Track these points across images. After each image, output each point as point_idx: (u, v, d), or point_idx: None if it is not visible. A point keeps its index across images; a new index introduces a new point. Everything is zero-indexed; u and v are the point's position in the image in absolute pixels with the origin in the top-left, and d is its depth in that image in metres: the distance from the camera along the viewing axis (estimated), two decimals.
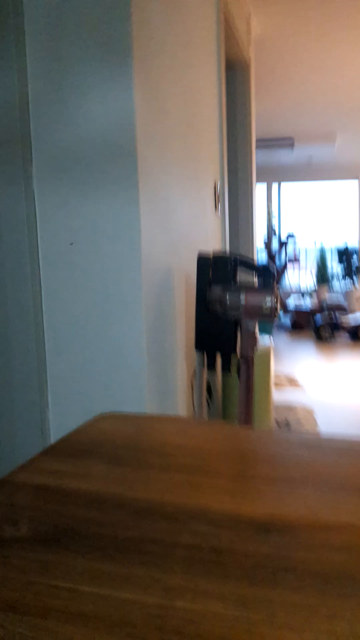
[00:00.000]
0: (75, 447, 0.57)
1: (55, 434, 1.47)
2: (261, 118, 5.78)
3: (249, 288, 1.68)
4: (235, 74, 3.24)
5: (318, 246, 8.08)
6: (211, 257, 1.79)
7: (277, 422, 2.91)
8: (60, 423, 1.47)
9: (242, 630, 0.28)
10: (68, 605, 0.31)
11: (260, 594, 0.32)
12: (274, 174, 8.43)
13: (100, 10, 1.32)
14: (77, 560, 0.36)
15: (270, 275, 1.79)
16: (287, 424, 2.89)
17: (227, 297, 1.69)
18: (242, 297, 1.67)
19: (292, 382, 3.99)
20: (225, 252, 2.47)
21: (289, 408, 3.23)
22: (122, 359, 1.42)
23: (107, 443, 0.58)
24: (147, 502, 0.43)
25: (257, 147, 6.60)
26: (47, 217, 1.41)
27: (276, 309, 1.65)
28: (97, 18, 1.33)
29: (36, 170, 1.39)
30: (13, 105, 1.33)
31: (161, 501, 0.44)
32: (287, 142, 6.59)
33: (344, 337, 5.96)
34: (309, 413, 3.14)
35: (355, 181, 8.27)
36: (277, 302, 1.65)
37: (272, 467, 0.52)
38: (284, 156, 7.34)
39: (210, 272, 1.79)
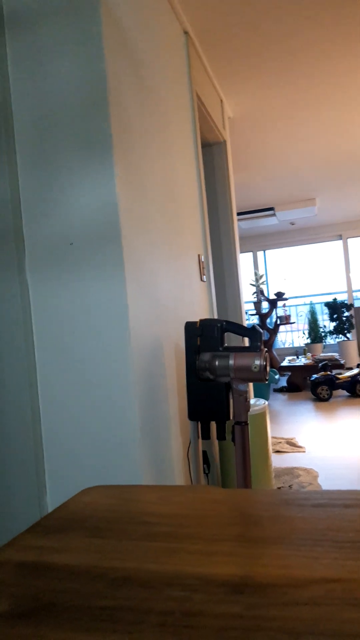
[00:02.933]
0: (58, 522, 0.58)
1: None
2: (242, 190, 6.08)
3: (237, 350, 1.71)
4: (212, 152, 3.45)
5: (308, 304, 8.22)
6: (198, 324, 1.84)
7: (281, 488, 2.85)
8: (58, 502, 1.45)
9: None
10: None
11: None
12: (259, 242, 8.73)
13: (80, 107, 1.45)
14: (55, 632, 0.36)
15: (258, 336, 1.84)
16: (291, 490, 2.82)
17: (216, 362, 1.72)
18: (231, 360, 1.70)
19: (293, 445, 3.93)
20: (212, 318, 2.53)
21: (291, 473, 3.16)
22: (115, 435, 1.42)
23: (90, 516, 0.59)
24: (124, 571, 0.44)
25: (241, 217, 6.89)
26: (40, 303, 1.47)
27: (266, 368, 1.67)
28: (77, 115, 1.45)
29: (28, 260, 1.47)
30: (6, 203, 1.43)
31: (137, 569, 0.45)
32: (268, 212, 6.88)
33: (341, 393, 5.94)
34: (313, 477, 3.07)
35: (339, 241, 8.55)
36: (266, 362, 1.68)
37: (249, 527, 0.53)
38: (267, 224, 7.64)
39: (198, 339, 1.83)
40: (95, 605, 0.39)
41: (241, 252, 8.61)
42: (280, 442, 3.98)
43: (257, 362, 1.68)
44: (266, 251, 8.83)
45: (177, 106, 2.27)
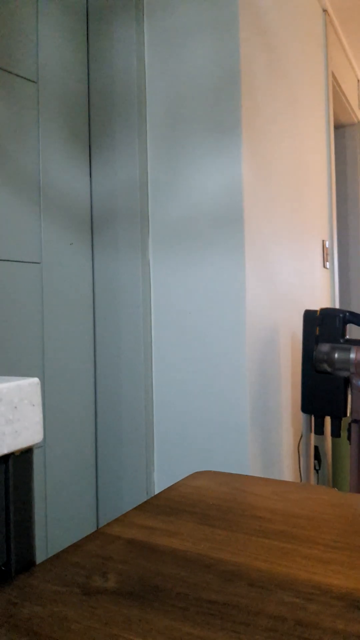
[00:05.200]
0: (168, 504, 0.57)
1: (159, 490, 1.48)
2: None
3: (359, 344, 1.61)
4: (345, 134, 3.26)
5: None
6: (318, 313, 1.75)
7: None
8: (165, 483, 1.48)
9: None
10: None
11: None
12: None
13: (211, 91, 1.43)
14: (159, 618, 0.35)
15: None
16: None
17: (336, 355, 1.63)
18: (352, 354, 1.60)
19: None
20: (333, 308, 2.40)
21: None
22: (226, 420, 1.41)
23: (199, 501, 0.58)
24: (234, 566, 0.42)
25: None
26: (160, 283, 1.49)
27: None
28: (208, 98, 1.44)
29: (152, 241, 1.49)
30: (134, 184, 1.46)
31: (248, 566, 0.42)
32: None
33: None
34: None
35: None
36: None
37: None
38: None
39: (318, 329, 1.75)
40: (204, 598, 0.38)
41: None
42: None
43: None
44: None
45: (311, 86, 2.16)
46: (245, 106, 1.42)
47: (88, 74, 1.51)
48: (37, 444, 0.44)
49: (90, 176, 1.50)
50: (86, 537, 0.50)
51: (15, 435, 0.42)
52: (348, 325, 1.76)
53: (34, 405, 0.44)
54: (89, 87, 1.51)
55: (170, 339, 1.48)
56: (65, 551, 0.47)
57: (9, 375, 1.24)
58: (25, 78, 1.31)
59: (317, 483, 2.07)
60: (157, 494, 0.61)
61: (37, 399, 0.45)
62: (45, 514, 1.31)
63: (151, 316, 1.50)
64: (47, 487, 1.32)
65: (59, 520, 1.35)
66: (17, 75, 1.28)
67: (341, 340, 1.66)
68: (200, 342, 1.44)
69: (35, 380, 0.44)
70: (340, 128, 3.25)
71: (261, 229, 1.52)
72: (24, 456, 0.44)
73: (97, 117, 1.51)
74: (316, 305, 2.15)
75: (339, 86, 2.72)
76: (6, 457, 0.42)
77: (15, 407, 0.42)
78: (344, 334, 1.70)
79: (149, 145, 1.50)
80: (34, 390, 0.44)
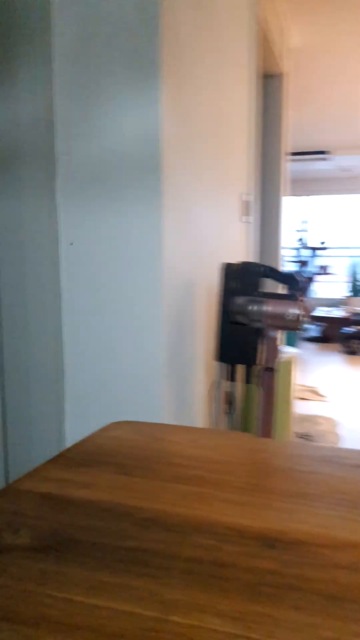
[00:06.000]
0: (83, 455, 0.56)
1: (71, 442, 1.47)
2: (296, 130, 5.75)
3: (273, 297, 1.66)
4: (269, 85, 3.23)
5: (350, 256, 7.97)
6: (236, 266, 1.78)
7: (299, 435, 2.86)
8: (77, 434, 1.47)
9: None
10: (62, 616, 0.30)
11: (261, 611, 0.30)
12: (309, 186, 8.37)
13: (128, 24, 1.34)
14: (75, 570, 0.35)
15: (296, 284, 1.77)
16: (309, 437, 2.84)
17: (251, 307, 1.68)
18: (267, 306, 1.65)
19: (317, 394, 3.93)
20: (252, 261, 2.46)
21: (312, 421, 3.17)
22: (140, 370, 1.41)
23: (116, 452, 0.57)
24: (151, 513, 0.43)
25: (292, 159, 6.58)
26: (70, 230, 1.42)
27: (301, 318, 1.62)
28: (125, 32, 1.35)
29: (60, 184, 1.41)
30: (39, 121, 1.35)
31: (165, 512, 0.43)
32: (322, 155, 6.55)
33: None
34: (332, 426, 3.07)
35: None
36: (302, 311, 1.62)
37: (285, 480, 0.51)
38: (319, 167, 7.28)
39: (235, 282, 1.78)
40: (121, 546, 0.38)
41: (289, 195, 8.29)
42: (304, 390, 3.98)
43: (293, 311, 1.62)
44: (312, 197, 8.48)
45: (236, 31, 2.10)
46: (166, 41, 1.36)
47: None
48: None
49: None
50: None
51: None
52: (263, 279, 1.80)
53: None
54: None
55: (82, 288, 1.44)
56: None
57: None
58: None
59: (228, 427, 2.17)
60: (71, 446, 0.60)
61: None
62: None
63: (59, 265, 1.43)
64: None
65: None
66: None
67: (256, 294, 1.71)
68: (114, 293, 1.41)
69: None
70: (264, 78, 3.22)
71: (180, 179, 1.49)
72: None
73: None
74: (233, 259, 2.18)
75: (265, 34, 2.67)
76: None
77: None
78: (259, 287, 1.74)
79: (57, 78, 1.38)
80: None
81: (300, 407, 3.58)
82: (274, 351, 1.72)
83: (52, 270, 1.40)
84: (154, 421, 1.42)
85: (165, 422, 1.42)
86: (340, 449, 0.59)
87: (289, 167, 3.63)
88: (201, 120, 1.68)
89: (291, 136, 6.05)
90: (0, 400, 1.43)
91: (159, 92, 1.32)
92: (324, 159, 6.56)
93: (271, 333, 1.68)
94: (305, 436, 2.86)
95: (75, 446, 0.59)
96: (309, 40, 3.55)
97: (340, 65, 4.01)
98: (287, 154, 3.67)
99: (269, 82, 3.22)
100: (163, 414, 1.41)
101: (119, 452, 0.57)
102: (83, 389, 1.46)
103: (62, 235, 1.43)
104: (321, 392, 4.00)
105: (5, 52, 1.36)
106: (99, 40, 1.37)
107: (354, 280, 7.44)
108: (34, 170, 1.37)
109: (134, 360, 1.41)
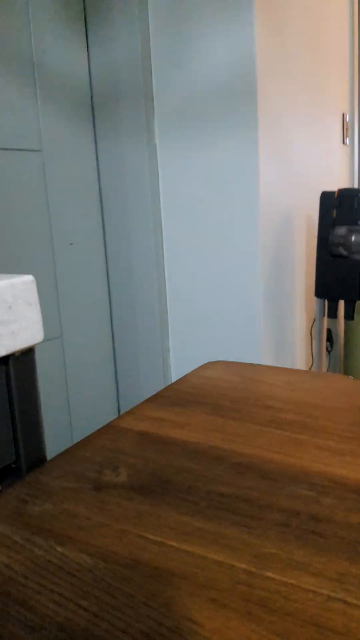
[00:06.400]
0: (180, 395, 0.57)
1: (176, 378, 1.51)
2: None
3: None
4: None
5: None
6: (336, 194, 1.66)
7: None
8: (181, 369, 1.50)
9: (337, 612, 0.26)
10: (156, 560, 0.30)
11: None
12: None
13: None
14: (170, 512, 0.35)
15: None
16: None
17: (353, 237, 1.57)
18: None
19: None
20: (352, 188, 2.28)
21: None
22: (239, 305, 1.39)
23: (211, 392, 0.57)
24: (246, 457, 0.42)
25: None
26: (168, 169, 1.39)
27: None
28: None
29: (158, 122, 1.37)
30: (136, 60, 1.31)
31: (261, 457, 0.42)
32: None
33: None
34: None
35: None
36: None
37: None
38: None
39: (335, 211, 1.66)
40: (215, 491, 0.37)
41: None
42: None
43: None
44: None
45: None
46: None
47: None
48: (40, 341, 0.42)
49: (88, 51, 1.35)
50: (97, 430, 0.50)
51: (12, 336, 0.39)
52: None
53: (30, 304, 0.41)
54: None
55: (181, 227, 1.42)
56: (76, 445, 0.47)
57: (18, 273, 1.21)
58: None
59: (329, 365, 2.11)
60: (168, 386, 0.60)
61: (34, 297, 0.41)
62: (68, 403, 1.36)
63: (160, 204, 1.42)
64: (67, 377, 1.35)
65: (81, 408, 1.40)
66: None
67: (359, 223, 1.59)
68: (212, 229, 1.38)
69: (30, 277, 0.41)
70: None
71: (276, 104, 1.39)
72: (25, 357, 0.42)
73: None
74: (334, 186, 2.03)
75: None
76: (5, 359, 0.40)
77: (10, 307, 0.39)
78: None
79: (150, 14, 1.32)
80: (29, 288, 0.41)
81: None
82: None
83: (153, 209, 1.39)
84: (253, 359, 1.42)
85: (264, 360, 1.41)
86: None
87: None
88: (296, 38, 1.53)
89: None
90: (111, 338, 1.49)
91: (252, 15, 1.21)
92: None
93: None
94: None
95: (172, 386, 0.60)
96: None
97: None
98: None
99: None
100: (262, 352, 1.40)
101: (214, 392, 0.56)
102: (185, 326, 1.48)
103: (161, 174, 1.41)
104: None
105: None
106: None
107: None
108: (133, 110, 1.34)
109: (231, 297, 1.40)
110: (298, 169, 1.62)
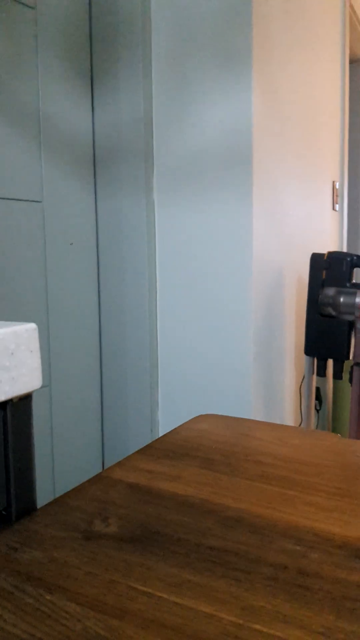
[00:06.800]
0: (171, 447, 0.57)
1: (163, 432, 1.51)
2: None
3: None
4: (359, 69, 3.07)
5: None
6: (326, 256, 1.72)
7: None
8: (169, 423, 1.50)
9: None
10: (145, 610, 0.31)
11: (347, 628, 0.29)
12: None
13: (221, 20, 1.33)
14: (159, 564, 0.35)
15: None
16: None
17: (341, 298, 1.61)
18: (358, 298, 1.58)
19: None
20: (341, 251, 2.36)
21: None
22: (229, 362, 1.41)
23: (202, 445, 0.57)
24: (236, 512, 0.42)
25: None
26: (165, 225, 1.45)
27: None
28: (218, 29, 1.33)
29: (157, 180, 1.43)
30: (138, 122, 1.39)
31: (250, 512, 0.42)
32: None
33: None
34: None
35: None
36: None
37: None
38: None
39: (324, 273, 1.72)
40: (205, 544, 0.38)
41: None
42: None
43: None
44: None
45: (325, 15, 2.01)
46: (257, 37, 1.33)
47: (90, 5, 1.40)
48: (39, 387, 0.43)
49: (93, 110, 1.43)
50: (88, 480, 0.50)
51: (12, 382, 0.41)
52: (355, 270, 1.72)
53: (31, 351, 0.42)
54: (90, 14, 1.41)
55: (176, 281, 1.46)
56: (66, 495, 0.47)
57: (12, 320, 1.23)
58: (22, 3, 1.21)
59: (317, 424, 2.11)
60: (159, 438, 0.61)
61: (35, 344, 0.43)
62: (52, 452, 1.34)
63: (156, 258, 1.47)
64: (53, 426, 1.34)
65: (65, 458, 1.38)
66: (14, 0, 1.19)
67: (347, 285, 1.64)
68: (206, 285, 1.42)
69: (33, 325, 0.43)
70: (355, 62, 3.06)
71: (270, 169, 1.46)
72: (23, 403, 0.43)
73: (100, 47, 1.42)
74: (324, 249, 2.10)
75: (357, 18, 2.54)
76: (4, 404, 0.41)
77: (12, 354, 0.40)
78: (350, 278, 1.67)
79: (154, 79, 1.41)
80: (31, 335, 0.42)
81: None
82: None
83: (149, 264, 1.43)
84: (242, 414, 1.42)
85: (254, 415, 1.41)
86: None
87: None
88: (292, 109, 1.63)
89: None
90: (99, 392, 1.49)
91: (250, 85, 1.30)
92: None
93: None
94: None
95: (163, 438, 0.60)
96: None
97: None
98: None
99: None
100: (251, 407, 1.40)
101: (205, 446, 0.57)
102: (174, 380, 1.49)
103: (158, 231, 1.46)
104: None
105: (107, 56, 1.40)
106: (193, 40, 1.37)
107: None
108: (133, 168, 1.41)
109: (223, 353, 1.41)
110: (290, 231, 1.68)
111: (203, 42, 1.36)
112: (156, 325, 1.47)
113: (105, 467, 0.62)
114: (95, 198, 1.46)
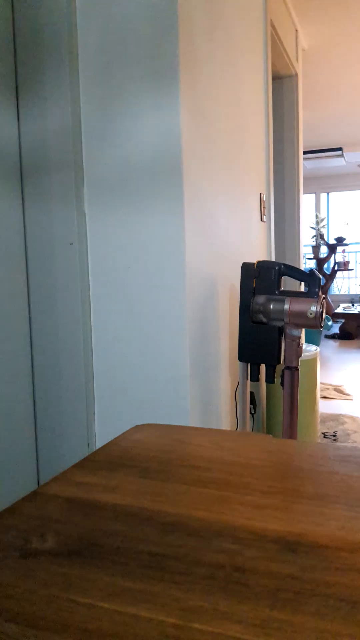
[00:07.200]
0: (108, 459, 0.57)
1: (101, 443, 1.49)
2: (310, 128, 5.71)
3: (293, 295, 1.65)
4: (282, 86, 3.22)
5: None
6: (255, 265, 1.77)
7: (324, 435, 2.84)
8: (106, 435, 1.49)
9: None
10: (85, 621, 0.31)
11: (281, 618, 0.30)
12: (324, 183, 8.30)
13: (148, 35, 1.35)
14: (99, 575, 0.35)
15: (315, 281, 1.76)
16: (335, 437, 2.81)
17: (271, 306, 1.67)
18: (287, 304, 1.64)
19: (341, 392, 3.88)
20: (270, 260, 2.44)
21: (337, 419, 3.14)
22: (166, 372, 1.42)
23: (140, 455, 0.58)
24: (174, 517, 0.43)
25: (306, 157, 6.53)
26: (97, 235, 1.44)
27: (321, 315, 1.61)
28: (145, 42, 1.36)
29: (87, 191, 1.43)
30: (67, 132, 1.38)
31: (187, 516, 0.43)
32: (336, 152, 6.48)
33: None
34: (358, 425, 3.03)
35: None
36: (322, 309, 1.61)
37: (305, 482, 0.50)
38: (333, 164, 7.22)
39: (255, 281, 1.78)
40: (144, 551, 0.38)
41: (304, 193, 8.26)
42: (328, 389, 3.94)
43: (314, 309, 1.61)
44: (330, 193, 8.39)
45: (249, 34, 2.10)
46: (184, 49, 1.36)
47: (12, 12, 1.39)
48: None
49: (18, 121, 1.40)
50: (23, 498, 0.49)
51: None
52: (283, 277, 1.79)
53: None
54: (14, 22, 1.39)
55: (109, 292, 1.46)
56: (0, 515, 0.46)
57: None
58: None
59: (253, 427, 2.16)
60: (96, 450, 0.61)
61: None
62: None
63: (88, 270, 1.46)
64: None
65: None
66: None
67: (276, 292, 1.70)
68: (140, 295, 1.43)
69: None
70: (278, 79, 3.21)
71: (200, 182, 1.50)
72: None
73: (25, 56, 1.40)
74: (254, 258, 2.17)
75: (278, 36, 2.66)
76: None
77: None
78: (279, 286, 1.73)
79: (82, 88, 1.41)
80: None
81: (325, 406, 3.54)
82: (295, 350, 1.71)
83: (81, 275, 1.42)
84: (180, 422, 1.43)
85: (191, 422, 1.43)
86: (357, 448, 0.59)
87: (302, 165, 3.59)
88: (219, 124, 1.68)
89: (305, 134, 6.02)
90: (32, 403, 1.45)
91: (178, 98, 1.33)
92: (339, 156, 6.48)
93: (292, 331, 1.67)
94: (330, 436, 2.83)
95: (100, 450, 0.60)
96: (320, 41, 3.52)
97: (351, 64, 3.97)
98: (302, 152, 3.63)
99: (284, 83, 3.21)
100: (189, 414, 1.42)
101: (142, 455, 0.58)
102: (111, 392, 1.48)
103: (90, 242, 1.45)
104: (346, 391, 3.95)
105: (33, 67, 1.39)
106: (122, 52, 1.38)
107: None
108: (63, 180, 1.39)
109: (159, 362, 1.42)
110: (221, 241, 1.73)
111: (132, 55, 1.38)
112: (90, 337, 1.46)
113: (41, 484, 0.61)
114: (24, 210, 1.43)
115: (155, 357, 1.42)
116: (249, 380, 1.79)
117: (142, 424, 0.71)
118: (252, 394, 2.15)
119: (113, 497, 0.47)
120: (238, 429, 1.89)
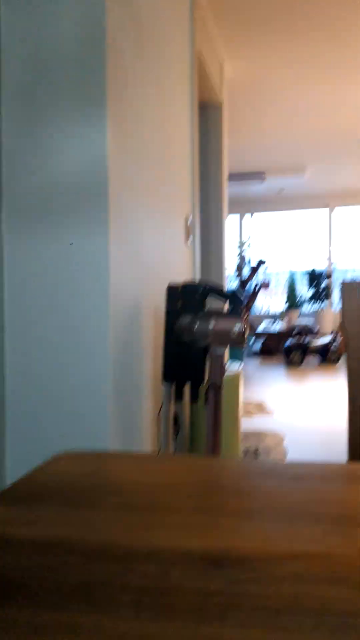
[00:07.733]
0: (27, 491, 0.56)
1: (13, 479, 1.43)
2: (234, 154, 5.95)
3: (217, 314, 1.69)
4: (208, 114, 3.34)
5: (288, 271, 8.27)
6: (180, 287, 1.81)
7: (246, 451, 2.91)
8: (21, 465, 1.43)
9: None
10: None
11: (208, 632, 0.31)
12: (246, 205, 8.64)
13: (74, 57, 1.36)
14: (22, 612, 0.34)
15: (239, 301, 1.82)
16: (256, 453, 2.88)
17: (196, 325, 1.70)
18: (211, 323, 1.68)
19: (262, 408, 4.00)
20: (194, 282, 2.50)
21: (259, 436, 3.22)
22: (86, 396, 1.40)
23: (60, 485, 0.57)
24: (97, 545, 0.43)
25: (230, 180, 6.78)
26: (16, 256, 1.41)
27: (245, 334, 1.67)
28: (71, 64, 1.36)
29: (6, 211, 1.39)
30: None
31: (112, 543, 0.43)
32: (258, 176, 6.79)
33: (313, 359, 6.04)
34: (279, 440, 3.14)
35: (326, 209, 8.53)
36: (245, 327, 1.67)
37: (228, 498, 0.52)
38: (255, 188, 7.55)
39: (180, 302, 1.81)
40: (68, 582, 0.38)
41: (229, 214, 8.53)
42: (249, 405, 4.05)
43: (237, 328, 1.66)
44: (253, 214, 8.76)
45: (176, 63, 2.16)
46: (111, 72, 1.38)
47: None
48: None
49: None
50: None
51: None
52: (208, 298, 1.84)
53: None
54: None
55: (27, 317, 1.42)
56: None
57: None
58: None
59: (176, 447, 2.17)
60: (13, 484, 0.59)
61: None
62: None
63: (4, 292, 1.41)
64: None
65: None
66: None
67: (200, 312, 1.74)
68: (60, 317, 1.40)
69: None
70: (204, 108, 3.33)
71: (126, 205, 1.51)
72: None
73: None
74: (180, 279, 2.21)
75: (205, 67, 2.77)
76: None
77: None
78: (203, 306, 1.78)
79: (3, 111, 1.38)
80: None
81: (246, 423, 3.64)
82: (219, 368, 1.75)
83: None
84: (101, 446, 1.41)
85: (113, 446, 1.41)
86: (280, 463, 0.62)
87: (226, 190, 3.74)
88: (146, 148, 1.71)
89: (229, 159, 6.26)
90: None
91: (105, 121, 1.34)
92: (261, 180, 6.80)
93: (216, 350, 1.71)
94: (252, 452, 2.90)
95: (18, 483, 0.58)
96: (245, 71, 3.71)
97: (273, 94, 4.21)
98: (226, 176, 3.78)
99: (209, 111, 3.34)
100: (110, 439, 1.40)
101: (63, 485, 0.57)
102: (27, 415, 1.43)
103: (7, 263, 1.41)
104: (267, 407, 4.08)
105: None
106: (46, 73, 1.38)
107: (291, 294, 7.71)
108: None
109: (79, 385, 1.40)
110: (147, 262, 1.75)
111: (56, 76, 1.37)
112: (3, 363, 1.41)
113: None
114: None
115: (75, 380, 1.40)
116: (172, 400, 1.81)
117: (61, 452, 0.70)
118: (176, 414, 2.16)
119: (33, 531, 0.46)
120: (161, 450, 1.90)
